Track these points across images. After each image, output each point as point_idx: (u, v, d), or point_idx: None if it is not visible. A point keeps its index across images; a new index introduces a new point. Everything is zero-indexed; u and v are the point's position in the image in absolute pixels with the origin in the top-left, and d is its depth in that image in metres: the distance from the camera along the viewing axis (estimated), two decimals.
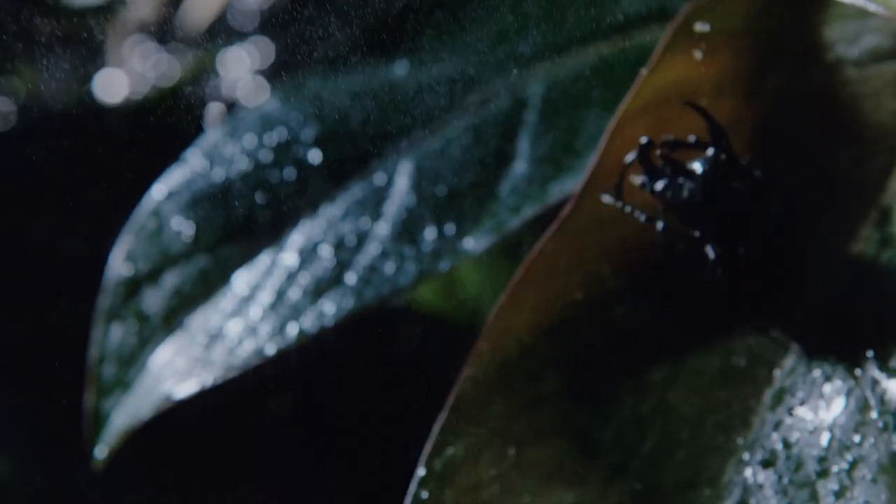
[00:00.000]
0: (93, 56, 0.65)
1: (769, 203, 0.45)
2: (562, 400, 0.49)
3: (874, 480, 0.46)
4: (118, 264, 0.51)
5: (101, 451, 0.49)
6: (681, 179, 0.44)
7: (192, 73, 0.65)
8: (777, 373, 0.49)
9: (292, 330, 0.46)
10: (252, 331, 0.46)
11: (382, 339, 0.63)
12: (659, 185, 0.44)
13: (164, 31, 0.65)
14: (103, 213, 0.53)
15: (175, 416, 0.49)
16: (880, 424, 0.46)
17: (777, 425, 0.48)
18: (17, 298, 0.60)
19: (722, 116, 0.46)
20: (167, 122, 0.60)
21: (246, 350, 0.46)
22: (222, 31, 0.66)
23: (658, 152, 0.45)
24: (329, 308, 0.45)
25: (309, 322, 0.45)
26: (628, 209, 0.46)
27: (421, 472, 0.48)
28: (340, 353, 0.58)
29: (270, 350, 0.46)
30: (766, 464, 0.48)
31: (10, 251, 0.60)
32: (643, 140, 0.45)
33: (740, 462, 0.48)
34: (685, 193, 0.44)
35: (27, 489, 0.55)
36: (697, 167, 0.44)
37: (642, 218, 0.45)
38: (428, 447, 0.48)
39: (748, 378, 0.49)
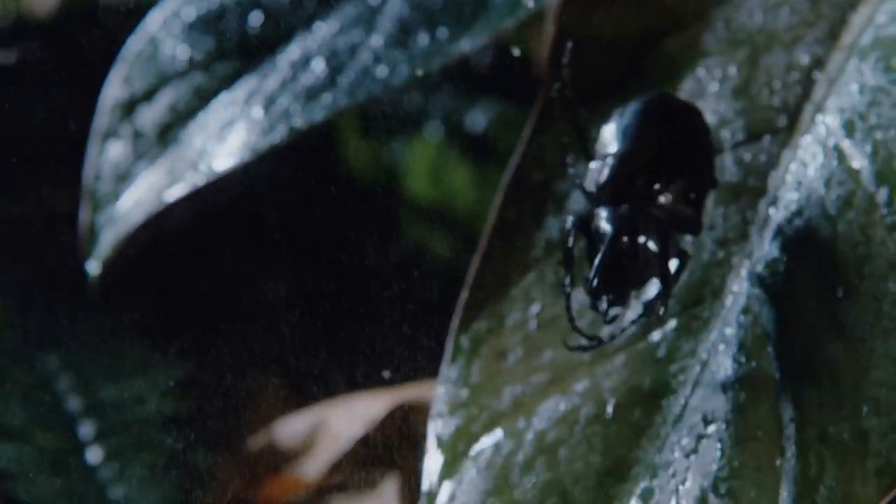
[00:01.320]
0: None
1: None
2: None
3: (883, 279, 0.45)
4: (114, 88, 0.51)
5: (94, 266, 0.50)
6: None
7: None
8: (771, 180, 0.49)
9: (284, 127, 0.46)
10: (245, 130, 0.46)
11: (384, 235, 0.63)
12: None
13: None
14: None
15: (167, 242, 0.49)
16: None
17: (774, 235, 0.48)
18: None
19: None
20: None
21: (236, 146, 0.46)
22: None
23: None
24: (321, 107, 0.45)
25: (301, 120, 0.46)
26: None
27: (450, 351, 0.50)
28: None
29: (262, 145, 0.46)
30: (763, 279, 0.47)
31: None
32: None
33: (740, 274, 0.48)
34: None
35: (22, 331, 0.55)
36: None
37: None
38: (454, 324, 0.50)
39: (744, 191, 0.49)
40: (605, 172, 0.43)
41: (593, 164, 0.44)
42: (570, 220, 0.44)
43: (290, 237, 0.58)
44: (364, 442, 0.59)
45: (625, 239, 0.43)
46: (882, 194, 0.45)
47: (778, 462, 0.44)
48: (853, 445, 0.43)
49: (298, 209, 0.58)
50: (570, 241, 0.44)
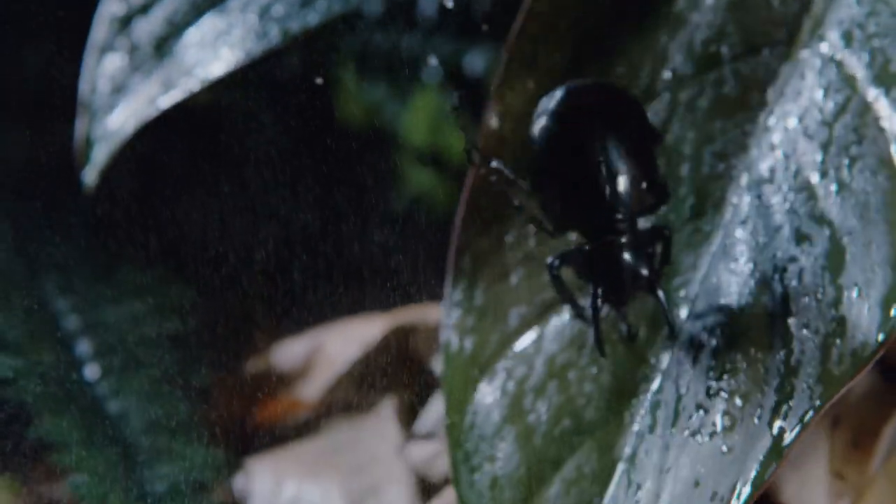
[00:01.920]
0: None
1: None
2: None
3: (873, 174, 0.46)
4: (111, 2, 0.51)
5: (90, 175, 0.50)
6: None
7: None
8: (770, 93, 0.49)
9: (278, 31, 0.46)
10: (240, 37, 0.46)
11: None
12: None
13: None
14: None
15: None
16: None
17: (773, 146, 0.48)
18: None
19: None
20: None
21: (231, 52, 0.46)
22: None
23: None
24: (316, 12, 0.45)
25: (296, 24, 0.45)
26: None
27: (450, 273, 0.50)
28: None
29: (257, 49, 0.46)
30: (765, 181, 0.47)
31: None
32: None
33: (740, 185, 0.48)
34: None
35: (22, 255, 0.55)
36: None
37: None
38: (453, 247, 0.50)
39: (743, 104, 0.49)
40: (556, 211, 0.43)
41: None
42: (551, 262, 0.44)
43: (289, 184, 0.58)
44: (362, 364, 0.59)
45: (607, 263, 0.43)
46: (877, 95, 0.45)
47: (766, 356, 0.44)
48: (833, 330, 0.43)
49: (295, 156, 0.58)
50: (558, 280, 0.44)
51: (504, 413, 0.47)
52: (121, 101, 0.50)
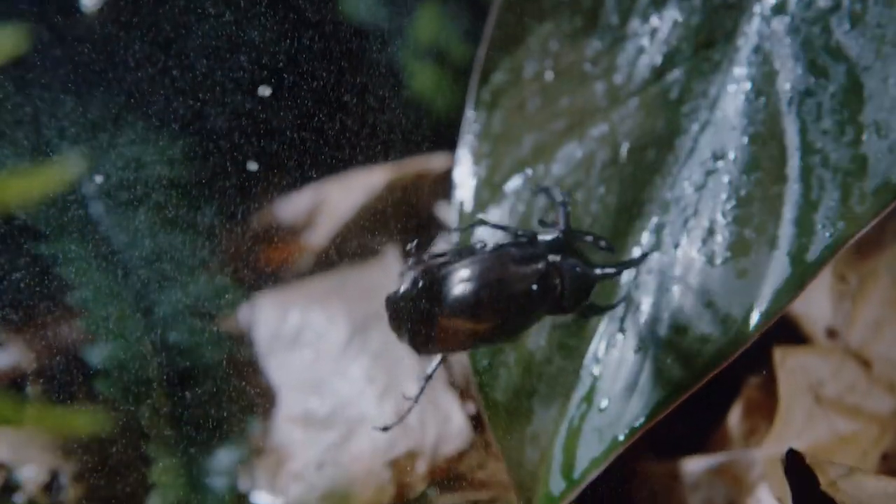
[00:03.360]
0: None
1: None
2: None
3: (888, 6, 0.46)
4: None
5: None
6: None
7: None
8: None
9: None
10: None
11: None
12: None
13: None
14: None
15: None
16: None
17: None
18: None
19: None
20: None
21: None
22: None
23: None
24: None
25: None
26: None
27: (471, 105, 0.51)
28: None
29: None
30: (778, 9, 0.48)
31: None
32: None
33: (753, 15, 0.48)
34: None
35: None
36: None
37: None
38: (474, 81, 0.51)
39: None
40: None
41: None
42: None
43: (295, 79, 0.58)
44: (367, 211, 0.60)
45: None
46: None
47: (782, 189, 0.45)
48: (854, 169, 0.44)
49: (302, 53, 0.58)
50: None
51: None
52: None
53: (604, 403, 0.45)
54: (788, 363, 0.47)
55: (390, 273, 0.57)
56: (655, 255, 0.46)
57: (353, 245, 0.59)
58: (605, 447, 0.44)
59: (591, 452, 0.44)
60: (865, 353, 0.48)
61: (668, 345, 0.44)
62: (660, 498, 0.50)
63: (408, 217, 0.58)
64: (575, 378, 0.46)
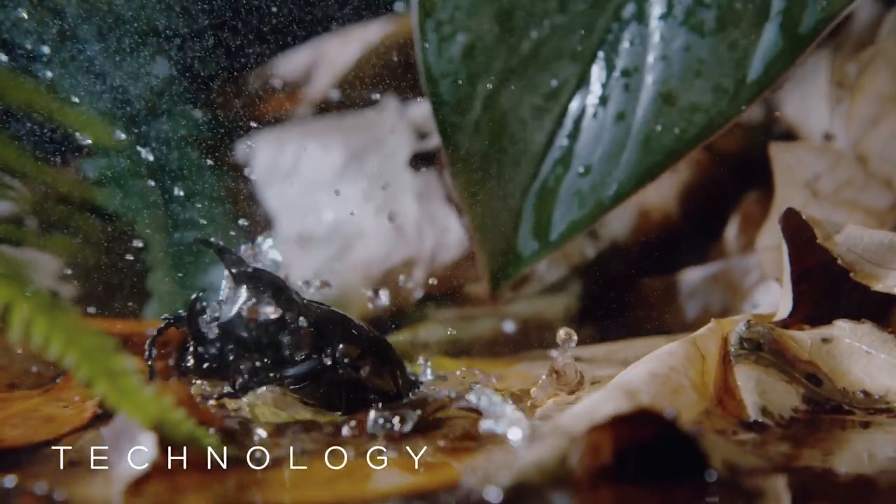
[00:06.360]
0: None
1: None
2: None
3: None
4: None
5: None
6: None
7: None
8: None
9: None
10: None
11: None
12: None
13: None
14: None
15: None
16: None
17: None
18: None
19: None
20: None
21: None
22: None
23: None
24: None
25: None
26: None
27: None
28: None
29: None
30: None
31: None
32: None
33: None
34: None
35: None
36: None
37: None
38: None
39: None
40: None
41: None
42: None
43: None
44: (362, 64, 0.60)
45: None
46: None
47: None
48: None
49: None
50: None
51: None
52: None
53: (581, 169, 0.44)
54: (784, 158, 0.47)
55: (387, 117, 0.57)
56: (634, 26, 0.45)
57: (350, 95, 0.59)
58: (587, 210, 0.44)
59: (570, 215, 0.44)
60: (862, 148, 0.48)
61: (656, 113, 0.44)
62: (658, 308, 0.50)
63: (402, 69, 0.59)
64: (547, 140, 0.46)
